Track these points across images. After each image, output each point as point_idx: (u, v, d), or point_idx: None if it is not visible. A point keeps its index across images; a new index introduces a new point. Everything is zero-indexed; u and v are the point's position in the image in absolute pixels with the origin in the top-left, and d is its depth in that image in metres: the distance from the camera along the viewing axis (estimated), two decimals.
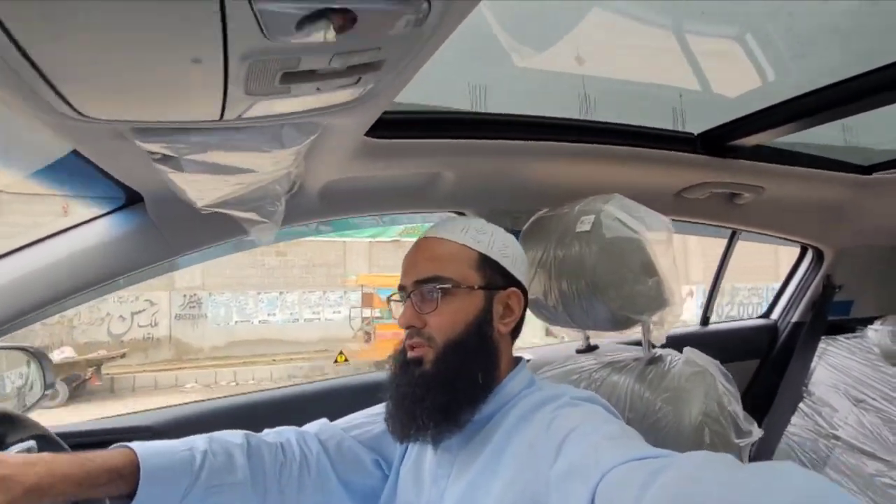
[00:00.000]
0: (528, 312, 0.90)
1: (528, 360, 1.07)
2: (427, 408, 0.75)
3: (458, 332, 0.77)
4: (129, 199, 0.97)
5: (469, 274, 0.79)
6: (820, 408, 1.79)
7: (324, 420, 0.94)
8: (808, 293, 2.03)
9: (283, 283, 10.79)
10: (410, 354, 0.79)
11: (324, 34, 0.45)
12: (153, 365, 9.42)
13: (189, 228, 1.00)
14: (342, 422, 0.94)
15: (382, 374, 0.87)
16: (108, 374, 8.26)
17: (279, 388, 1.34)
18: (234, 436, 0.81)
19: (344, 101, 0.61)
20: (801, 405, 1.83)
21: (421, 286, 0.78)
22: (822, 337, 1.91)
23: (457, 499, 0.74)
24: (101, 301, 9.25)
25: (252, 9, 0.40)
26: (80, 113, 0.54)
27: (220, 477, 0.75)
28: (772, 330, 2.09)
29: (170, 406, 1.21)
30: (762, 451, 1.80)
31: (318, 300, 10.95)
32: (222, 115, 0.55)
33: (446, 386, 0.75)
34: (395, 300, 0.85)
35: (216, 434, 0.81)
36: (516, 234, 1.18)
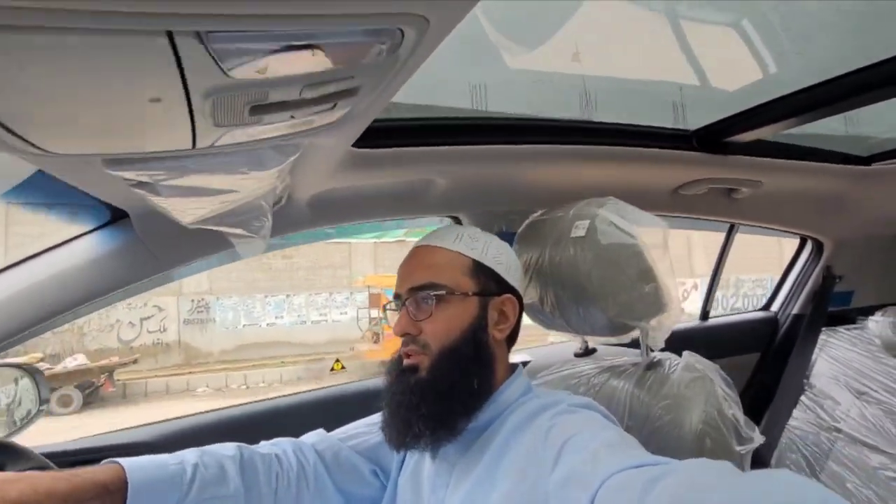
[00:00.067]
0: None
1: (526, 363, 1.05)
2: (423, 415, 0.74)
3: (453, 338, 0.76)
4: (115, 216, 0.96)
5: (463, 281, 0.79)
6: (821, 400, 1.76)
7: (321, 430, 0.93)
8: (809, 285, 2.00)
9: (289, 286, 10.81)
10: (406, 362, 0.78)
11: (289, 69, 0.43)
12: (164, 370, 9.46)
13: (177, 243, 0.98)
14: (339, 432, 0.93)
15: (379, 381, 0.85)
16: (120, 380, 8.29)
17: (275, 398, 1.32)
18: (227, 448, 0.80)
19: (322, 125, 0.59)
20: (802, 398, 1.80)
21: (415, 293, 0.78)
22: (823, 329, 1.88)
23: None
24: (111, 308, 9.29)
25: (207, 49, 0.38)
26: (43, 150, 0.51)
27: (211, 490, 0.73)
28: (772, 322, 2.06)
29: (166, 420, 1.19)
30: (764, 446, 1.77)
31: (325, 302, 10.97)
32: (194, 144, 0.53)
33: (442, 393, 0.74)
34: (391, 309, 0.84)
35: (208, 447, 0.79)
36: (511, 236, 1.16)
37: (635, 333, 1.02)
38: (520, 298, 0.85)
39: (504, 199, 1.28)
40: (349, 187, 1.08)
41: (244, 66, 0.41)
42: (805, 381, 1.83)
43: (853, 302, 2.05)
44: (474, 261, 0.80)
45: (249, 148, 0.58)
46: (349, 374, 8.76)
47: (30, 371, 0.92)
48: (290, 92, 0.47)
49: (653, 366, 1.00)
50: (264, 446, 0.86)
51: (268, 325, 10.58)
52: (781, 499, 0.42)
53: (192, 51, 0.38)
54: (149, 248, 0.97)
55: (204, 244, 1.00)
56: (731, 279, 12.41)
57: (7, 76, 0.38)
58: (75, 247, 0.95)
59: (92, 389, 7.72)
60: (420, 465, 0.84)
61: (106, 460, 0.71)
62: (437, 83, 1.09)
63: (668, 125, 1.28)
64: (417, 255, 0.83)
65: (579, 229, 0.99)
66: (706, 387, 0.90)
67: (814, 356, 1.85)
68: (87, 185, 0.71)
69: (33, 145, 0.49)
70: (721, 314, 2.08)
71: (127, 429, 1.15)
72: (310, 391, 1.36)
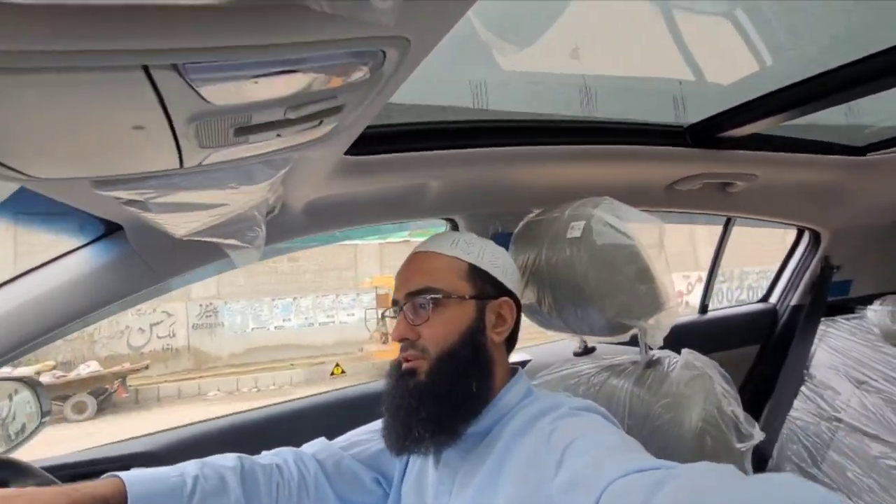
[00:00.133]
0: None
1: (526, 362, 1.04)
2: (422, 419, 0.73)
3: (450, 342, 0.75)
4: (109, 229, 0.95)
5: (460, 284, 0.78)
6: (822, 391, 1.74)
7: (322, 439, 0.92)
8: (807, 275, 1.98)
9: (296, 289, 10.80)
10: (405, 366, 0.77)
11: (270, 93, 0.42)
12: (174, 375, 9.48)
13: (172, 255, 0.98)
14: (341, 440, 0.92)
15: (380, 384, 0.84)
16: (132, 385, 8.30)
17: (276, 404, 1.31)
18: (227, 459, 0.80)
19: (309, 140, 0.57)
20: (802, 389, 1.78)
21: (413, 298, 0.77)
22: (822, 319, 1.86)
23: None
24: (120, 314, 9.33)
25: (184, 79, 0.37)
26: (29, 176, 0.51)
27: (212, 501, 0.73)
28: (771, 314, 2.04)
29: (167, 430, 1.18)
30: (765, 437, 1.76)
31: (332, 303, 10.96)
32: (181, 165, 0.52)
33: (441, 396, 0.73)
34: (389, 317, 0.84)
35: (209, 458, 0.79)
36: (507, 237, 1.15)
37: (634, 331, 1.00)
38: (517, 301, 0.84)
39: (499, 201, 1.26)
40: (343, 194, 1.07)
41: (224, 94, 0.40)
42: (805, 371, 1.81)
43: (851, 291, 2.02)
44: (471, 265, 0.80)
45: (238, 164, 0.57)
46: (358, 377, 8.74)
47: (30, 384, 0.91)
48: (273, 114, 0.47)
49: (652, 364, 0.98)
50: (265, 456, 0.85)
51: (276, 328, 10.58)
52: (783, 501, 0.42)
53: (169, 81, 0.37)
54: (144, 259, 0.96)
55: (199, 254, 0.99)
56: (735, 271, 12.34)
57: None
58: (71, 260, 0.94)
59: (105, 396, 7.74)
60: (424, 472, 0.83)
61: (106, 474, 0.71)
62: (436, 83, 1.08)
63: (667, 121, 1.27)
64: (414, 261, 0.82)
65: (575, 230, 0.97)
66: (705, 385, 0.88)
67: (813, 347, 1.83)
68: (78, 203, 0.71)
69: (17, 171, 0.49)
70: (720, 307, 2.06)
71: (128, 439, 1.14)
72: (311, 396, 1.34)
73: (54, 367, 7.94)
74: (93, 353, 9.16)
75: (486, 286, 0.79)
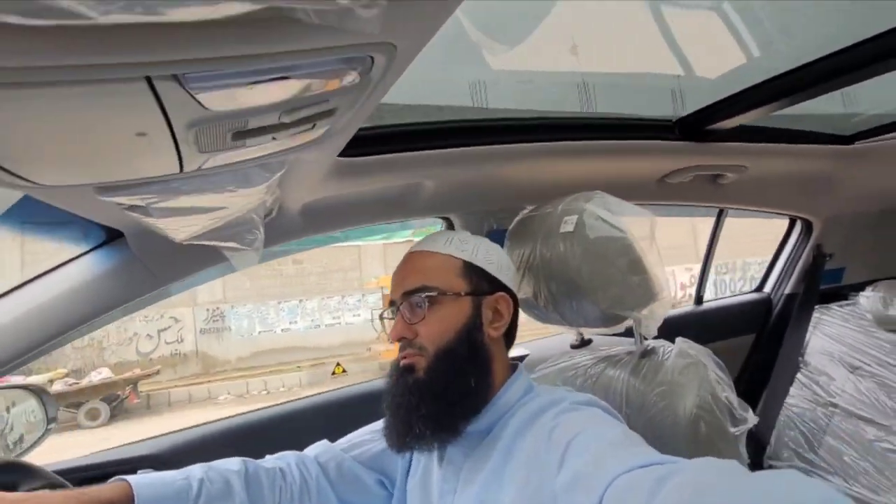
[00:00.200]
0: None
1: (524, 357, 1.04)
2: (422, 416, 0.73)
3: (448, 339, 0.75)
4: (110, 236, 0.95)
5: (455, 281, 0.78)
6: (817, 377, 1.74)
7: (324, 442, 0.92)
8: (800, 264, 1.97)
9: (301, 291, 10.79)
10: (403, 363, 0.77)
11: (265, 98, 0.43)
12: (183, 380, 9.47)
13: (172, 259, 0.98)
14: (342, 442, 0.92)
15: (381, 384, 0.84)
16: (143, 391, 8.31)
17: (280, 404, 1.31)
18: (232, 463, 0.80)
19: (303, 143, 0.58)
20: (798, 376, 1.78)
21: (409, 297, 0.77)
22: (816, 306, 1.86)
23: None
24: (128, 321, 9.34)
25: (185, 89, 0.38)
26: (35, 183, 0.52)
27: (218, 503, 0.74)
28: (766, 303, 2.04)
29: (172, 432, 1.18)
30: (763, 424, 1.76)
31: (337, 305, 10.94)
32: (181, 169, 0.53)
33: (440, 393, 0.73)
34: (387, 318, 0.83)
35: (214, 462, 0.79)
36: (502, 233, 1.15)
37: (629, 322, 1.01)
38: (514, 296, 0.83)
39: (493, 198, 1.26)
40: (339, 195, 1.07)
41: (222, 100, 0.42)
42: (800, 358, 1.81)
43: (844, 279, 2.02)
44: (465, 262, 0.79)
45: (235, 168, 0.58)
46: (366, 374, 8.73)
47: (35, 391, 0.91)
48: (268, 118, 0.48)
49: (647, 354, 0.99)
50: (269, 460, 0.85)
51: (282, 330, 10.58)
52: (784, 498, 0.41)
53: (170, 91, 0.39)
54: (145, 265, 0.96)
55: (199, 259, 0.99)
56: (737, 263, 12.31)
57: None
58: (73, 268, 0.95)
59: (118, 402, 7.73)
60: (428, 471, 0.82)
61: (114, 478, 0.71)
62: (430, 83, 1.08)
63: (661, 115, 1.27)
64: (409, 260, 0.82)
65: (568, 224, 0.98)
66: (699, 372, 0.89)
67: (808, 334, 1.83)
68: (81, 210, 0.71)
69: (24, 179, 0.50)
70: (715, 298, 2.06)
71: (134, 442, 1.15)
72: (313, 395, 1.35)
73: (66, 375, 7.95)
74: (102, 359, 9.16)
75: (481, 282, 0.79)
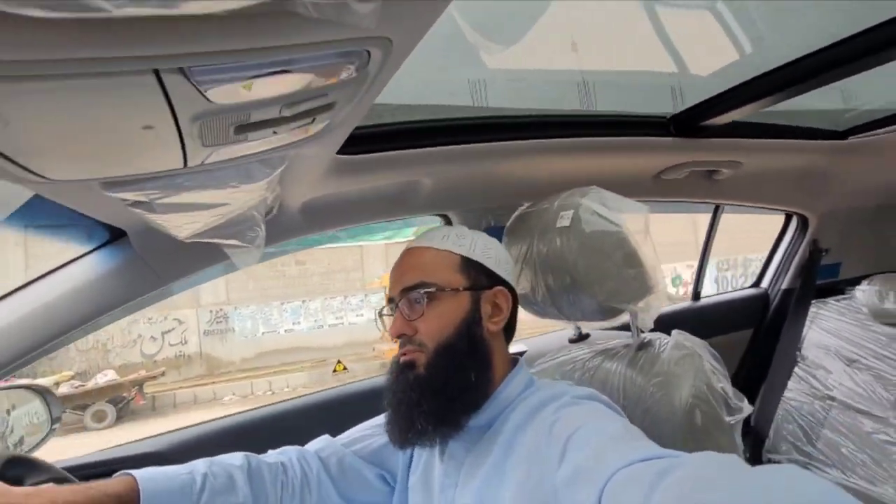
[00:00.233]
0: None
1: (523, 353, 1.04)
2: (424, 411, 0.72)
3: (447, 334, 0.75)
4: (113, 235, 0.96)
5: (453, 277, 0.77)
6: (814, 371, 1.74)
7: (326, 437, 0.92)
8: (796, 259, 1.98)
9: (304, 292, 10.77)
10: (403, 359, 0.77)
11: (267, 92, 0.44)
12: (188, 381, 9.47)
13: (175, 258, 0.99)
14: (344, 437, 0.92)
15: (382, 380, 0.84)
16: (148, 393, 8.31)
17: (282, 401, 1.32)
18: (235, 458, 0.80)
19: (303, 138, 0.59)
20: (795, 369, 1.79)
21: (407, 294, 0.76)
22: (813, 301, 1.86)
23: None
24: (132, 323, 9.35)
25: (190, 82, 0.40)
26: (44, 177, 0.53)
27: (221, 497, 0.74)
28: (763, 298, 2.04)
29: (175, 430, 1.19)
30: (761, 418, 1.77)
31: (340, 305, 10.93)
32: (185, 164, 0.54)
33: (441, 389, 0.73)
34: (386, 315, 0.83)
35: (217, 457, 0.79)
36: (500, 230, 1.16)
37: (626, 319, 1.01)
38: (512, 290, 0.83)
39: (490, 195, 1.27)
40: (338, 193, 1.07)
41: (226, 93, 0.43)
42: (798, 353, 1.81)
43: (841, 273, 2.02)
44: (463, 257, 0.79)
45: (237, 163, 0.59)
46: (370, 374, 8.72)
47: (39, 391, 0.91)
48: (270, 111, 0.49)
49: (644, 346, 0.99)
50: (271, 455, 0.85)
51: (286, 331, 10.57)
52: (783, 493, 0.41)
53: (177, 84, 0.40)
54: (148, 264, 0.97)
55: (201, 257, 1.00)
56: (739, 259, 12.30)
57: (11, 116, 0.40)
58: (77, 267, 0.95)
59: (124, 404, 7.72)
60: (430, 466, 0.82)
61: (119, 472, 0.71)
62: (426, 83, 1.09)
63: (657, 112, 1.27)
64: (407, 256, 0.82)
65: (564, 219, 0.98)
66: (695, 363, 0.89)
67: (805, 328, 1.83)
68: (86, 208, 0.72)
69: (35, 174, 0.51)
70: (717, 293, 2.06)
71: (139, 440, 1.15)
72: (315, 392, 1.35)
73: (72, 378, 7.96)
74: (107, 362, 9.16)
75: (479, 277, 0.79)
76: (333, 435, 0.93)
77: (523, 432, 0.70)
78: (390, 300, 0.80)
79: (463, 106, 1.10)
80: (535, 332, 1.69)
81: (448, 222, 1.35)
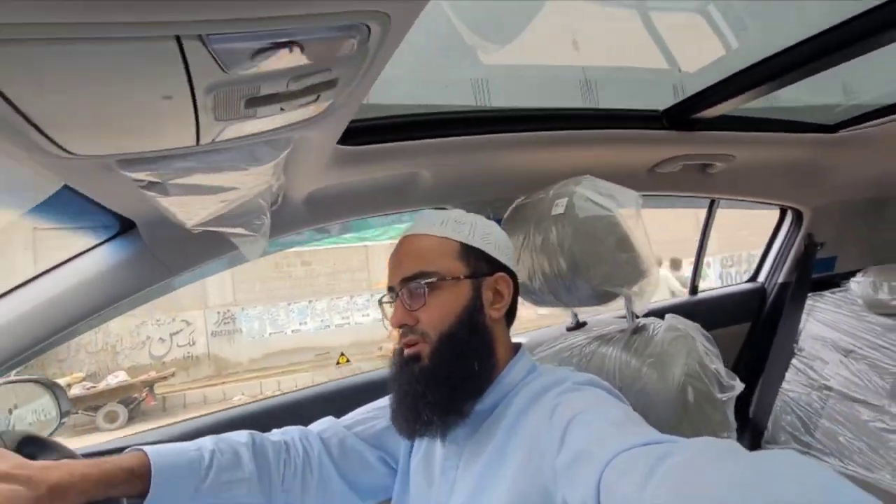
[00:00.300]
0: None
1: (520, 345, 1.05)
2: (430, 403, 0.72)
3: (449, 323, 0.74)
4: (123, 227, 0.97)
5: (453, 265, 0.76)
6: (811, 362, 1.74)
7: (329, 418, 0.92)
8: (792, 253, 1.98)
9: (310, 292, 10.75)
10: (407, 352, 0.75)
11: (276, 64, 0.46)
12: (196, 382, 9.47)
13: (182, 249, 1.00)
14: (347, 418, 0.92)
15: (386, 372, 0.85)
16: (158, 393, 8.34)
17: (288, 392, 1.33)
18: (240, 435, 0.81)
19: (308, 117, 0.61)
20: (793, 361, 1.79)
21: (407, 283, 0.75)
22: (809, 294, 1.86)
23: (467, 491, 0.71)
24: (141, 325, 9.39)
25: (208, 49, 0.42)
26: (67, 151, 0.55)
27: (228, 473, 0.74)
28: (760, 292, 2.04)
29: (181, 421, 1.20)
30: (760, 410, 1.77)
31: (346, 305, 10.89)
32: (198, 141, 0.56)
33: (445, 378, 0.72)
34: (386, 302, 0.82)
35: (224, 435, 0.80)
36: (498, 223, 1.17)
37: (622, 307, 1.02)
38: (513, 275, 0.81)
39: (489, 187, 1.28)
40: (340, 185, 1.09)
41: (239, 63, 0.45)
42: (795, 345, 1.82)
43: (837, 267, 2.02)
44: (462, 244, 0.77)
45: (246, 142, 0.61)
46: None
47: (48, 385, 0.90)
48: (278, 84, 0.51)
49: (638, 330, 1.00)
50: (275, 434, 0.86)
51: (293, 331, 10.55)
52: (781, 480, 0.40)
53: (196, 52, 0.42)
54: (157, 255, 0.98)
55: (209, 247, 1.01)
56: (743, 255, 12.23)
57: (38, 80, 0.42)
58: (87, 259, 0.96)
59: (135, 404, 7.75)
60: (431, 449, 0.82)
61: (130, 447, 0.72)
62: (424, 83, 1.11)
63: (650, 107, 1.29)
64: (406, 244, 0.80)
65: (559, 207, 1.00)
66: (688, 343, 0.90)
67: (802, 321, 1.83)
68: (100, 193, 0.74)
69: (58, 146, 0.53)
70: (706, 289, 2.06)
71: (145, 431, 1.17)
72: (321, 384, 1.36)
73: (84, 379, 8.00)
74: (116, 363, 9.18)
75: (479, 263, 0.77)
76: None
77: (525, 417, 0.70)
78: (390, 288, 0.79)
79: (465, 105, 1.12)
80: (532, 330, 1.71)
81: None
